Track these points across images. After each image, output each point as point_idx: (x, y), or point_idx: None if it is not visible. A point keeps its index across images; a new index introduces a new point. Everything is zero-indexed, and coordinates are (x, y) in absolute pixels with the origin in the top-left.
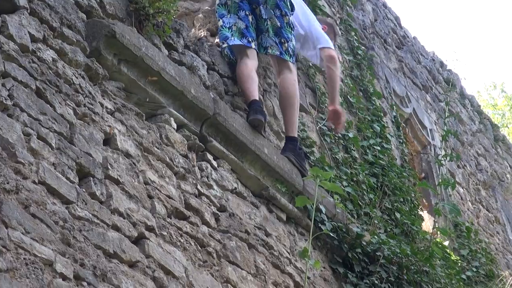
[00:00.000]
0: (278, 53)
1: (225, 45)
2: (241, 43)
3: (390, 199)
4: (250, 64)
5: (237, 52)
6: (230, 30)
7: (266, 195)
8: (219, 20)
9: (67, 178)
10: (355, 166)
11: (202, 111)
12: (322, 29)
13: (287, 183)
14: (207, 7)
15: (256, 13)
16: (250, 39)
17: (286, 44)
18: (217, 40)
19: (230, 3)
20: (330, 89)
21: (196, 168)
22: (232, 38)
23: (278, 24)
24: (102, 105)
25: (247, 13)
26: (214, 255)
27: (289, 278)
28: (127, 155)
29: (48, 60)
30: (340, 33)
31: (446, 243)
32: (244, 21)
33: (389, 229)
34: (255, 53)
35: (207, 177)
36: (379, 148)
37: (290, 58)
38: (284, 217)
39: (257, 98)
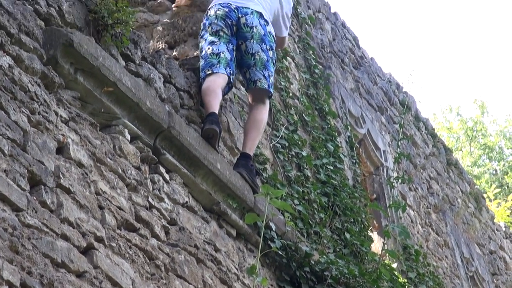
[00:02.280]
0: (267, 86)
1: (209, 72)
2: (225, 73)
3: (341, 219)
4: (218, 82)
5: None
6: (217, 56)
7: (217, 210)
8: (206, 47)
9: (18, 186)
10: (307, 185)
11: (156, 124)
12: None
13: (239, 199)
14: (166, 20)
15: (241, 49)
16: (231, 72)
17: (272, 78)
18: (175, 53)
19: (222, 34)
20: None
21: (148, 180)
22: (218, 65)
23: (265, 57)
24: (56, 113)
25: (234, 48)
26: (162, 268)
27: None
28: (80, 164)
29: (4, 66)
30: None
31: (395, 265)
32: (230, 53)
33: (338, 249)
34: (228, 79)
35: (159, 190)
36: (331, 167)
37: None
38: (234, 233)
39: (216, 112)
